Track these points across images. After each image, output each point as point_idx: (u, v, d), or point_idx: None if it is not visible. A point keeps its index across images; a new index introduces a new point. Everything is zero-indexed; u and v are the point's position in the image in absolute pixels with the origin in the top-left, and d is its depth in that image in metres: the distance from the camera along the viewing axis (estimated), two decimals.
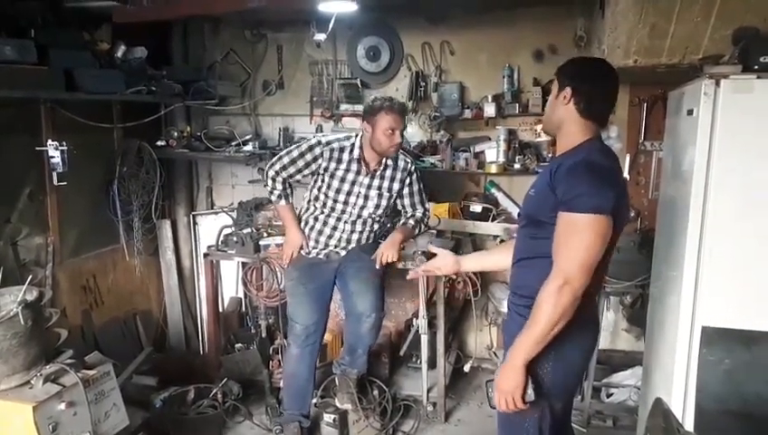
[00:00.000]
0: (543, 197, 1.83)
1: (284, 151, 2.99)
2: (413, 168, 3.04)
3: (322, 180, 2.93)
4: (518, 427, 1.90)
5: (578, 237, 1.70)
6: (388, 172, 2.97)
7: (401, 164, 3.00)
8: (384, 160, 2.94)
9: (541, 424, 1.87)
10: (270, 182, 3.01)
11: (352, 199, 2.93)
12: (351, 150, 2.90)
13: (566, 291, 1.68)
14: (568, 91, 1.86)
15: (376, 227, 3.06)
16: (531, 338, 1.74)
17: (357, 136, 2.95)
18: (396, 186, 2.98)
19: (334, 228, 3.00)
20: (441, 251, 2.35)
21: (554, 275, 1.71)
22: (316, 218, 3.02)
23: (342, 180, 2.91)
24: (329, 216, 2.98)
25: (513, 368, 1.77)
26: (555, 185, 1.77)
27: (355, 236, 3.02)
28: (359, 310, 3.03)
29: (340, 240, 3.00)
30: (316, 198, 2.99)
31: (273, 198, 3.04)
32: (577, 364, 1.92)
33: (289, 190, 3.05)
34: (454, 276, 3.45)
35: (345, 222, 2.98)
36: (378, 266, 2.95)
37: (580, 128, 1.86)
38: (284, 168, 2.94)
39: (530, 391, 1.78)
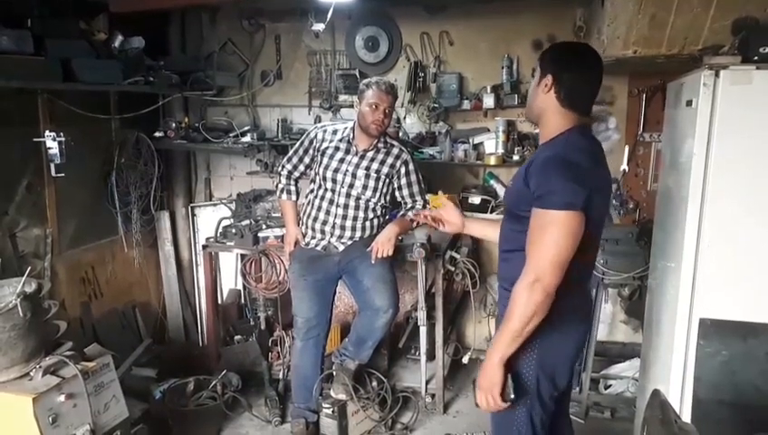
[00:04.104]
0: (519, 191, 1.81)
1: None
2: (407, 157, 3.05)
3: (319, 164, 3.02)
4: (509, 418, 1.90)
5: (548, 234, 1.68)
6: (379, 156, 3.00)
7: (394, 151, 3.03)
8: (375, 144, 2.98)
9: (531, 415, 1.87)
10: (277, 177, 3.19)
11: (340, 177, 2.97)
12: (344, 132, 3.02)
13: (537, 288, 1.67)
14: (549, 78, 1.82)
15: (371, 215, 3.03)
16: (505, 335, 1.74)
17: (353, 123, 3.02)
18: (385, 169, 3.00)
19: (327, 212, 3.00)
20: (449, 205, 2.29)
21: (526, 271, 1.71)
22: (311, 204, 3.06)
23: (331, 157, 2.98)
24: (322, 198, 3.01)
25: (491, 366, 1.77)
26: (529, 179, 1.75)
27: (348, 223, 3.00)
28: (377, 305, 3.02)
29: (334, 227, 3.00)
30: (312, 181, 3.08)
31: (278, 192, 3.19)
32: (566, 355, 1.90)
33: (292, 187, 3.17)
34: (452, 268, 3.44)
35: (337, 205, 2.99)
36: (373, 260, 2.94)
37: (561, 117, 1.82)
38: (289, 159, 3.12)
39: (509, 390, 1.77)
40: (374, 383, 3.31)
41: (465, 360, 3.85)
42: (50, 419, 2.18)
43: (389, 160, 3.01)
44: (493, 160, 3.81)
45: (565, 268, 1.69)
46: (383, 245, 2.94)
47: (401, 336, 3.74)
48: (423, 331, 3.37)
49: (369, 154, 2.98)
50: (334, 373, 3.17)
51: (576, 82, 1.82)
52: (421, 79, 3.94)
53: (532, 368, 1.83)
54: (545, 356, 1.82)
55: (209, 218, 4.32)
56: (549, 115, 1.85)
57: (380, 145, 3.00)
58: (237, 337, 3.99)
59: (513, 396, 1.77)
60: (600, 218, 1.82)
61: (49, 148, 3.10)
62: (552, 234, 1.67)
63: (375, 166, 2.99)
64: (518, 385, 1.79)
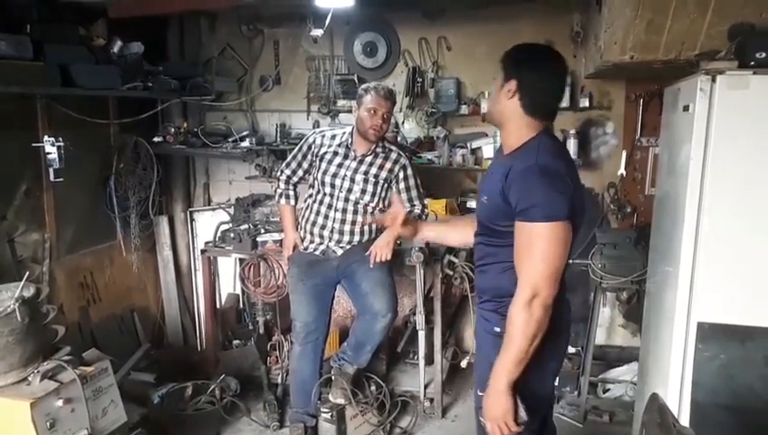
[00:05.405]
0: (495, 205, 1.75)
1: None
2: (406, 162, 3.06)
3: (317, 169, 3.03)
4: None
5: (538, 248, 1.63)
6: (378, 160, 3.01)
7: (393, 156, 3.04)
8: (373, 148, 2.99)
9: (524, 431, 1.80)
10: (276, 182, 3.21)
11: (338, 182, 2.98)
12: (342, 136, 3.02)
13: (536, 304, 1.62)
14: (513, 84, 1.74)
15: (369, 220, 3.05)
16: (510, 358, 1.66)
17: (352, 127, 3.03)
18: (383, 174, 3.01)
19: (326, 217, 3.01)
20: (396, 205, 2.18)
21: (521, 289, 1.64)
22: (310, 209, 3.07)
23: (330, 162, 3.00)
24: (321, 203, 3.02)
25: (498, 393, 1.69)
26: (507, 192, 1.68)
27: (347, 228, 3.01)
28: (375, 309, 3.03)
29: (332, 231, 3.01)
30: (311, 186, 3.10)
31: (277, 197, 3.21)
32: (552, 368, 1.87)
33: (291, 191, 3.19)
34: (450, 272, 3.44)
35: (335, 209, 3.00)
36: (371, 265, 2.95)
37: (525, 124, 1.76)
38: (288, 164, 3.14)
39: (522, 413, 1.71)
40: (373, 388, 3.31)
41: (464, 364, 3.84)
42: (48, 424, 2.18)
43: (388, 165, 3.02)
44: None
45: (559, 278, 1.65)
46: (381, 249, 2.94)
47: (400, 340, 3.73)
48: (421, 335, 3.37)
49: (368, 159, 2.99)
50: (333, 378, 3.16)
51: (540, 88, 1.75)
52: (419, 84, 3.95)
53: (523, 387, 1.75)
54: (533, 373, 1.74)
55: (208, 223, 4.32)
56: (512, 123, 1.78)
57: (379, 150, 3.01)
58: (236, 342, 3.99)
59: (526, 418, 1.71)
60: (578, 225, 1.76)
61: (48, 153, 3.10)
62: (541, 247, 1.63)
63: (373, 170, 2.99)
64: (527, 405, 1.73)
